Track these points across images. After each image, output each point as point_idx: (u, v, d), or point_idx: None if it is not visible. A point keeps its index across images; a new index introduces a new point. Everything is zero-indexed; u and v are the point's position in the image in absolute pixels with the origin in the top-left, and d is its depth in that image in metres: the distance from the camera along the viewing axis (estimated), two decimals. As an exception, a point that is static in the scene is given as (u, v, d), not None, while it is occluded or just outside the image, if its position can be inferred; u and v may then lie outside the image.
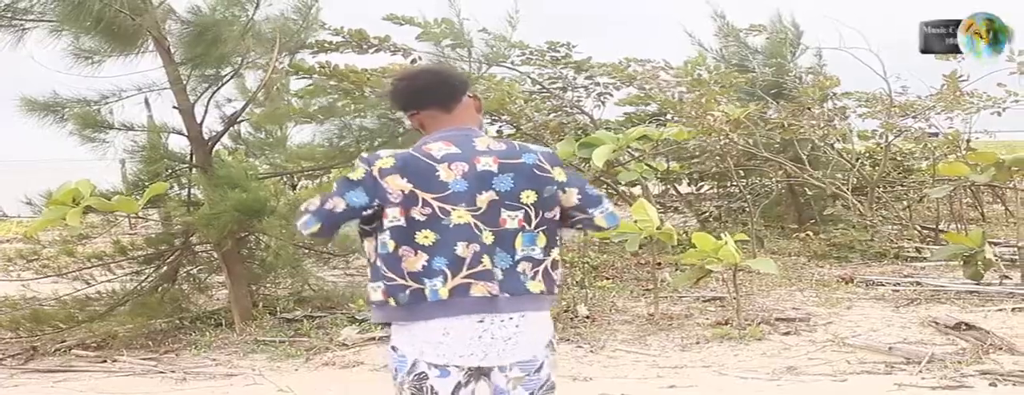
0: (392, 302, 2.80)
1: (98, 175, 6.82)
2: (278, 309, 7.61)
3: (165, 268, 7.68)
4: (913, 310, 7.26)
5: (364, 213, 2.81)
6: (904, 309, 7.32)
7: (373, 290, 2.83)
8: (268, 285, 8.16)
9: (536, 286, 2.86)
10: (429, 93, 2.98)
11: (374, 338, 6.81)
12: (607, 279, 8.87)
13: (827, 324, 6.89)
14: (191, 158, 7.47)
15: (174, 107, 7.30)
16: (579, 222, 3.03)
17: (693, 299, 7.91)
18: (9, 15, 6.93)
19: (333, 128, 7.97)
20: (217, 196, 6.85)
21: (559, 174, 2.92)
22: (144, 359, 6.58)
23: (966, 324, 6.41)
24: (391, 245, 2.78)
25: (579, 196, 2.95)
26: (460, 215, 2.78)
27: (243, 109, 7.55)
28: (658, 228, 7.00)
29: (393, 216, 2.77)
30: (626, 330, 6.93)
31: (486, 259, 2.78)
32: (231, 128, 7.78)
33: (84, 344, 7.01)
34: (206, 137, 7.44)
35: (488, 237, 2.80)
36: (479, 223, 2.79)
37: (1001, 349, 5.87)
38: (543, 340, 2.93)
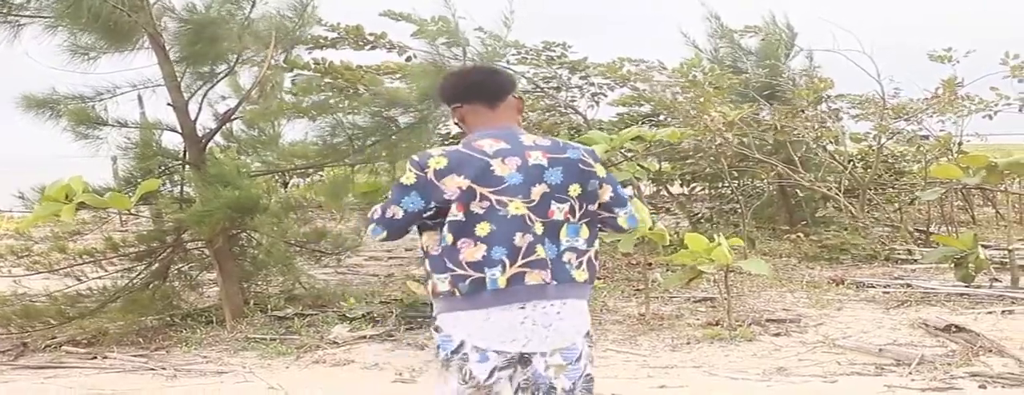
0: (457, 292, 2.90)
1: (88, 172, 6.80)
2: (269, 307, 7.60)
3: (157, 265, 7.66)
4: (903, 312, 7.28)
5: (424, 215, 2.93)
6: (894, 311, 7.34)
7: (440, 281, 2.92)
8: (259, 283, 8.15)
9: (581, 275, 2.98)
10: (477, 89, 3.12)
11: (365, 337, 6.82)
12: (599, 279, 8.87)
13: (817, 325, 6.91)
14: (184, 155, 7.46)
15: (168, 104, 7.29)
16: (603, 221, 3.13)
17: (684, 300, 7.92)
18: (5, 11, 6.92)
19: (326, 125, 7.96)
20: (210, 193, 6.85)
21: (600, 170, 3.07)
22: (135, 356, 6.57)
23: (956, 326, 6.43)
24: (449, 238, 2.89)
25: (611, 194, 3.09)
26: (516, 206, 2.90)
27: (237, 106, 7.54)
28: (650, 229, 7.01)
29: (452, 212, 2.89)
30: (617, 330, 6.94)
31: (539, 248, 2.90)
32: (224, 125, 7.76)
33: (75, 340, 7.00)
34: (200, 134, 7.43)
35: (539, 227, 2.92)
36: (532, 214, 2.92)
37: (991, 351, 5.88)
38: (582, 329, 3.04)
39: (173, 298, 7.62)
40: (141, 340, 7.00)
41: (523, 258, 2.88)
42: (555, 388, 2.98)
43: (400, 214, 2.93)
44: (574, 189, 2.98)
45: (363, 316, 7.29)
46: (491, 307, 2.89)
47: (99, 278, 7.52)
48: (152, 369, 6.22)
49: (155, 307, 7.37)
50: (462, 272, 2.88)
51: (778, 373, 5.68)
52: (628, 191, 3.22)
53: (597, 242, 3.07)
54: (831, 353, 6.10)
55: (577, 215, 2.99)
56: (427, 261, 2.98)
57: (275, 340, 6.76)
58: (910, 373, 5.53)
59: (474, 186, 2.89)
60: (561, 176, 2.96)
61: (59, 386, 5.93)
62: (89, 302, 7.28)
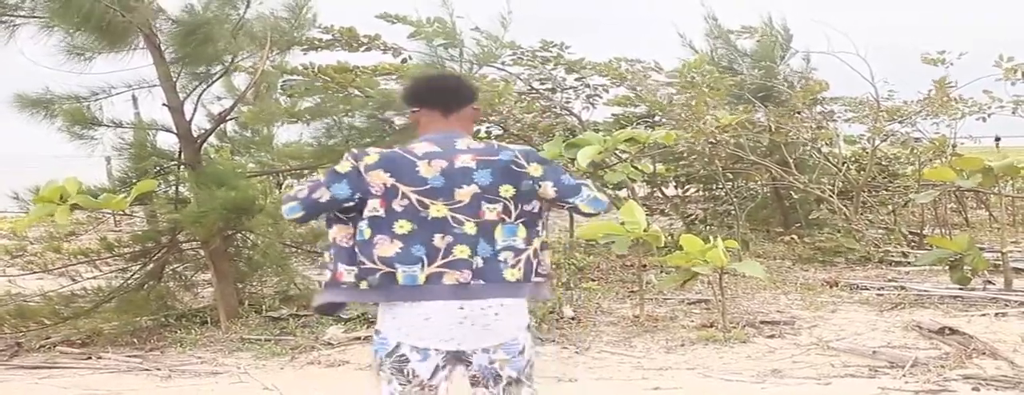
0: (363, 284, 3.02)
1: (82, 172, 6.80)
2: (264, 307, 7.60)
3: (151, 265, 7.66)
4: (897, 314, 7.30)
5: (346, 204, 3.03)
6: (888, 313, 7.36)
7: (346, 272, 3.03)
8: (254, 283, 8.13)
9: (513, 274, 3.05)
10: (436, 96, 3.24)
11: (359, 338, 6.81)
12: (593, 281, 8.89)
13: (811, 327, 6.93)
14: (179, 156, 7.46)
15: (164, 105, 7.29)
16: (568, 210, 3.25)
17: (678, 301, 7.93)
18: (0, 11, 6.91)
19: (321, 127, 7.96)
20: (205, 194, 6.85)
21: (535, 170, 3.12)
22: (129, 356, 6.57)
23: (950, 329, 6.45)
24: (367, 233, 3.00)
25: (555, 188, 3.13)
26: (438, 209, 3.01)
27: (232, 107, 7.54)
28: (645, 230, 7.02)
29: (373, 207, 3.00)
30: (611, 332, 6.95)
31: (459, 249, 3.00)
32: (219, 126, 7.76)
33: (69, 341, 6.99)
34: (195, 135, 7.43)
35: (471, 228, 3.02)
36: (459, 216, 3.01)
37: (984, 354, 5.90)
38: (521, 324, 3.14)
39: (168, 298, 7.61)
40: (136, 340, 6.99)
41: (441, 258, 2.99)
42: (501, 377, 3.12)
43: (326, 197, 3.02)
44: (506, 189, 3.06)
45: (357, 317, 7.28)
46: (411, 302, 2.99)
47: (94, 278, 7.52)
48: (146, 369, 6.22)
49: (150, 307, 7.36)
50: (371, 265, 2.99)
51: (772, 375, 5.70)
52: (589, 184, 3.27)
53: (537, 240, 3.12)
54: (825, 355, 6.12)
55: (512, 215, 3.07)
56: (332, 251, 3.08)
57: (270, 341, 6.76)
58: (904, 375, 5.54)
59: (397, 184, 3.00)
60: (490, 177, 3.05)
61: (53, 386, 5.93)
62: (84, 302, 7.27)
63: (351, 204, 3.03)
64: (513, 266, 3.05)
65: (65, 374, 6.21)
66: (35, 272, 7.58)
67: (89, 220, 7.99)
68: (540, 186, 3.11)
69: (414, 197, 3.01)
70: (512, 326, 3.10)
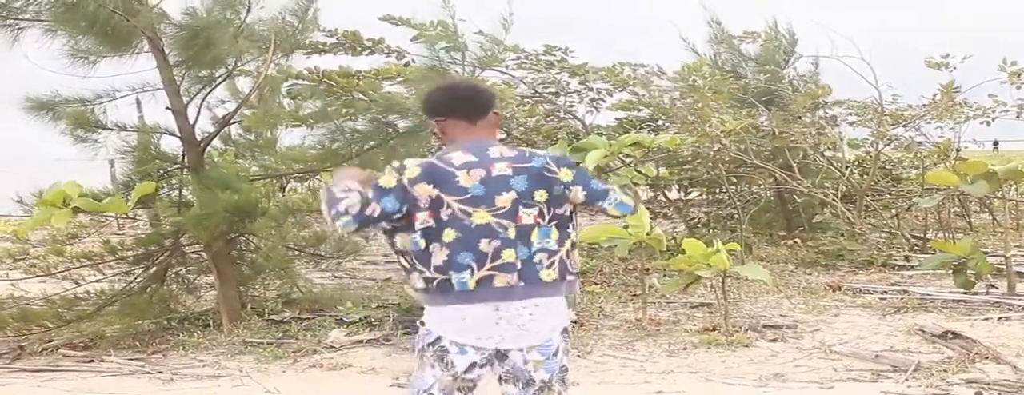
0: (430, 288, 3.19)
1: (88, 174, 6.81)
2: (266, 311, 7.60)
3: (154, 269, 7.66)
4: (900, 318, 7.29)
5: (395, 217, 3.15)
6: (891, 317, 7.35)
7: (416, 279, 3.20)
8: (257, 287, 8.14)
9: (549, 275, 3.20)
10: (461, 104, 3.36)
11: (362, 341, 6.82)
12: (595, 284, 8.89)
13: (814, 331, 6.92)
14: (183, 159, 7.47)
15: (167, 108, 7.30)
16: (597, 212, 3.41)
17: (681, 305, 7.93)
18: (4, 14, 6.93)
19: (324, 130, 7.96)
20: (208, 197, 6.85)
21: (565, 174, 3.27)
22: (131, 359, 6.57)
23: (952, 333, 6.44)
24: (422, 243, 3.15)
25: (585, 192, 3.29)
26: (481, 216, 3.15)
27: (236, 110, 7.55)
28: (648, 234, 7.02)
29: (423, 219, 3.14)
30: (614, 335, 6.94)
31: (507, 253, 3.14)
32: (222, 129, 7.77)
33: (71, 344, 7.00)
34: (198, 138, 7.44)
35: (512, 232, 3.16)
36: (501, 221, 3.15)
37: (987, 358, 5.89)
38: (558, 325, 3.27)
39: (170, 302, 7.61)
40: (138, 344, 7.00)
41: (491, 262, 3.13)
42: (534, 380, 3.24)
43: (377, 212, 3.12)
44: (540, 194, 3.20)
45: (360, 320, 7.29)
46: (459, 304, 3.14)
47: (96, 282, 7.52)
48: (149, 373, 6.23)
49: (152, 311, 7.37)
50: (430, 274, 3.15)
51: (775, 379, 5.69)
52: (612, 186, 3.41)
53: (569, 242, 3.26)
54: (828, 359, 6.11)
55: (546, 218, 3.21)
56: (403, 259, 3.23)
57: (272, 344, 6.76)
58: (906, 379, 5.53)
59: (442, 195, 3.14)
60: (526, 183, 3.19)
61: (56, 389, 5.94)
62: (86, 305, 7.28)
63: (399, 215, 3.15)
64: (549, 267, 3.20)
65: (67, 377, 6.22)
66: (38, 275, 7.58)
67: (92, 223, 7.99)
68: (570, 190, 3.26)
69: (457, 206, 3.14)
70: (547, 327, 3.23)
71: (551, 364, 3.25)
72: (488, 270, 3.13)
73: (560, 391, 3.29)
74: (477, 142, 3.28)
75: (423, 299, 3.24)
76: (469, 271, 3.12)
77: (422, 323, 3.28)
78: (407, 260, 3.21)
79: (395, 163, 3.21)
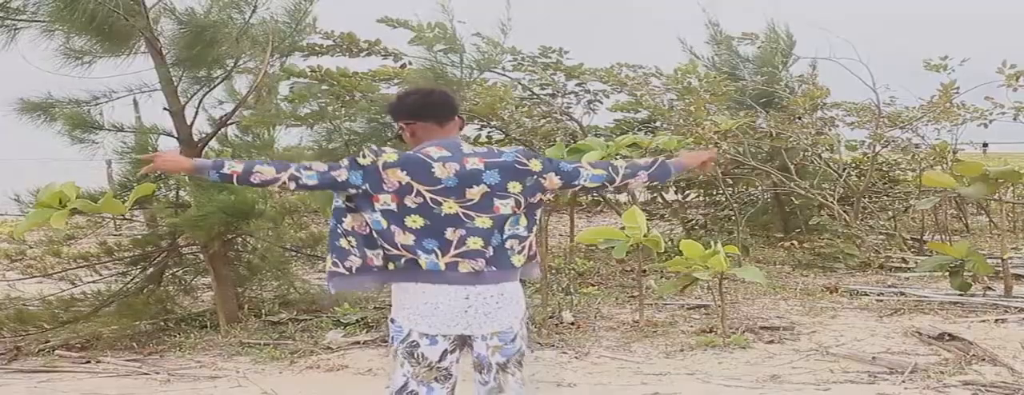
0: (392, 266, 3.41)
1: (81, 175, 6.80)
2: (263, 312, 7.60)
3: (151, 269, 7.66)
4: (897, 320, 7.30)
5: (350, 190, 3.37)
6: (888, 319, 7.36)
7: (374, 256, 3.41)
8: (254, 287, 8.12)
9: (519, 260, 3.47)
10: (433, 109, 3.57)
11: (358, 342, 6.82)
12: (592, 286, 8.89)
13: (811, 333, 6.92)
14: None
15: (165, 109, 7.29)
16: (578, 191, 3.71)
17: (678, 306, 7.93)
18: (1, 15, 6.92)
19: (322, 131, 7.96)
20: (205, 198, 6.85)
21: (535, 165, 3.51)
22: (128, 360, 6.56)
23: (949, 334, 6.45)
24: (384, 223, 3.35)
25: (559, 177, 3.56)
26: (450, 206, 3.37)
27: (234, 111, 7.54)
28: (645, 235, 7.02)
29: (385, 201, 3.35)
30: (611, 337, 6.94)
31: (471, 240, 3.37)
32: (220, 130, 7.76)
33: (68, 345, 6.98)
34: (196, 139, 7.43)
35: (484, 222, 3.39)
36: (469, 211, 3.38)
37: (983, 360, 5.90)
38: (518, 314, 3.52)
39: (167, 302, 7.60)
40: (135, 344, 6.99)
41: (455, 250, 3.36)
42: (492, 364, 3.50)
43: (342, 178, 3.35)
44: (514, 186, 3.44)
45: (357, 322, 7.29)
46: (427, 284, 3.37)
47: (93, 282, 7.51)
48: (146, 374, 6.22)
49: (149, 311, 7.36)
50: (396, 252, 3.36)
51: (771, 381, 5.70)
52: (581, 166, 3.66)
53: (535, 227, 3.54)
54: (824, 361, 6.12)
55: (521, 207, 3.47)
56: (351, 238, 3.42)
57: (269, 345, 6.76)
58: (903, 381, 5.54)
59: (412, 183, 3.35)
60: (499, 177, 3.42)
61: (52, 390, 5.93)
62: (83, 306, 7.27)
63: (354, 192, 3.36)
64: (520, 252, 3.46)
65: (64, 378, 6.21)
66: (34, 276, 7.58)
67: (89, 224, 7.98)
68: (545, 178, 3.52)
69: (428, 195, 3.35)
70: (510, 315, 3.47)
71: (508, 349, 3.50)
72: (453, 257, 3.36)
73: (514, 372, 3.54)
74: (448, 140, 3.50)
75: (374, 279, 3.45)
76: (435, 255, 3.34)
77: (392, 320, 3.49)
78: (361, 239, 3.39)
79: (374, 145, 3.45)
